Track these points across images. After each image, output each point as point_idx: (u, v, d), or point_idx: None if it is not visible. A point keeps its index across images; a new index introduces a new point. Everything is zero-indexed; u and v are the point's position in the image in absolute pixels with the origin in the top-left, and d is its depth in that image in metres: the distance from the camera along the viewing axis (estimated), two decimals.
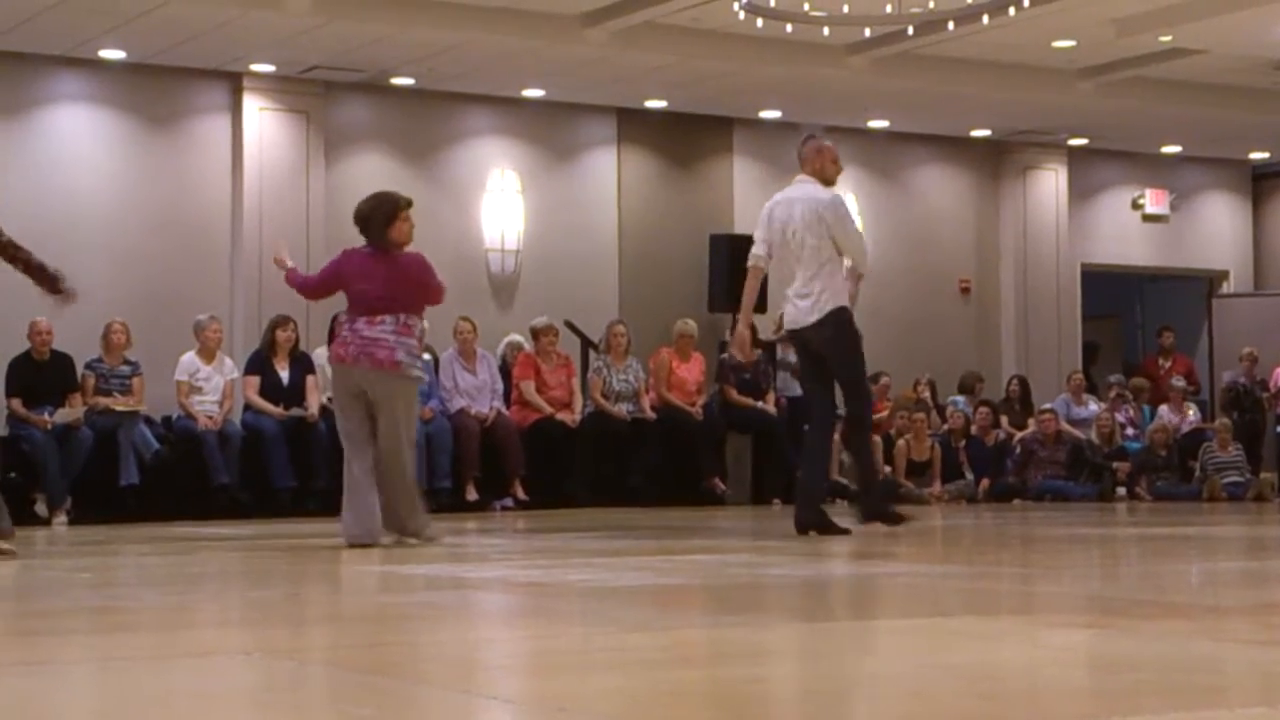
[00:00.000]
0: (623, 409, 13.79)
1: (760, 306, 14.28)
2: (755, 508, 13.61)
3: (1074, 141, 17.41)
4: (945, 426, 15.32)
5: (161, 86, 13.89)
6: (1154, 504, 14.56)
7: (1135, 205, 18.31)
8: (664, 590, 5.80)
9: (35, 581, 6.72)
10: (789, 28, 12.49)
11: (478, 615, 5.20)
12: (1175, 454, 15.59)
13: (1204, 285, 18.96)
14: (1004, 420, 15.70)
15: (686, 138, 15.89)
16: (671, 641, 4.18)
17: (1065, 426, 15.58)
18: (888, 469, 14.18)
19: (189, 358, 12.66)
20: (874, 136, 16.55)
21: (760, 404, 14.33)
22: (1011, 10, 11.37)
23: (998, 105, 15.73)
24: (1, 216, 7.87)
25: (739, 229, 15.33)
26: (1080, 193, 17.85)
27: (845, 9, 11.33)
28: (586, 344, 14.48)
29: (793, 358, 14.44)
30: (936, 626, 4.46)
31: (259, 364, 12.78)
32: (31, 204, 12.66)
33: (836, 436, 10.13)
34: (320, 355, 12.89)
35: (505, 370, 13.76)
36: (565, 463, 13.44)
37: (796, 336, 8.94)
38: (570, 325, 14.43)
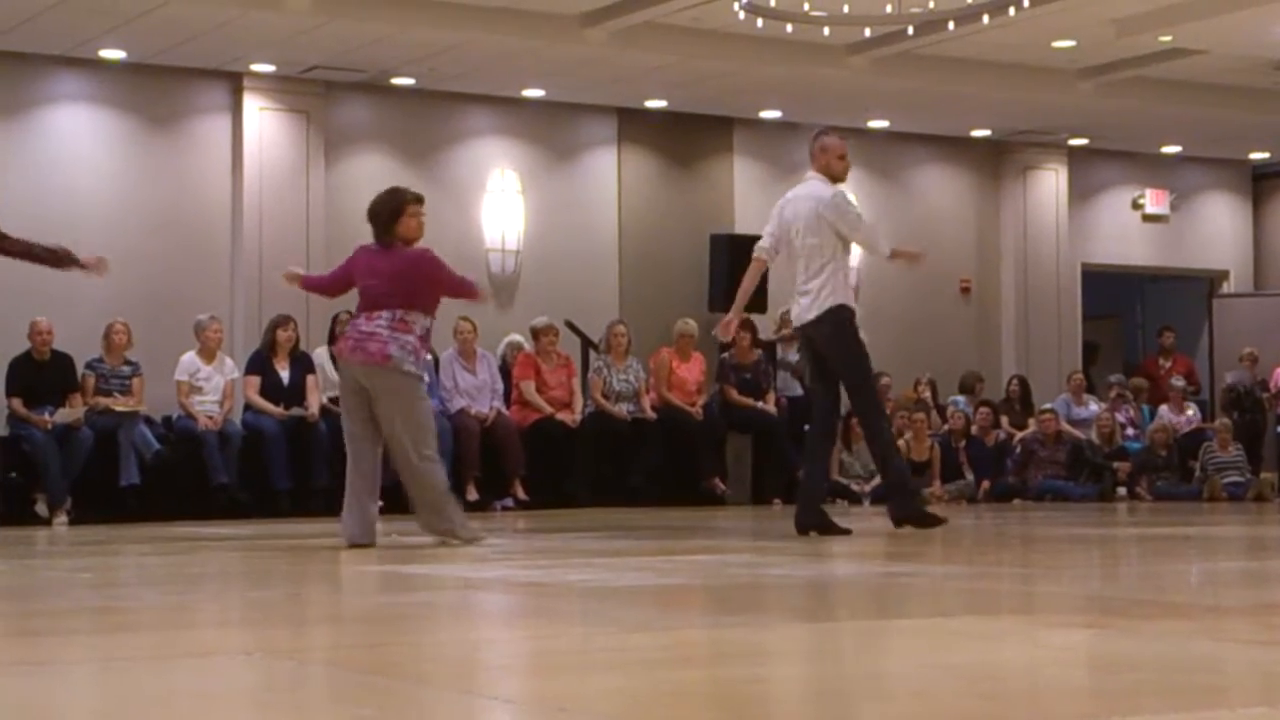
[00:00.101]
0: (623, 409, 13.79)
1: (760, 307, 14.39)
2: (755, 508, 13.61)
3: (1074, 141, 17.41)
4: (945, 427, 15.31)
5: (161, 86, 13.89)
6: (1154, 504, 14.56)
7: (1135, 205, 18.31)
8: (664, 590, 5.80)
9: (36, 581, 6.72)
10: (789, 28, 12.49)
11: (478, 615, 5.20)
12: (1175, 454, 15.58)
13: (1204, 285, 18.96)
14: (1004, 420, 15.68)
15: (687, 138, 15.89)
16: (672, 642, 4.18)
17: (1065, 426, 15.58)
18: None
19: (189, 358, 12.66)
20: (874, 136, 16.55)
21: (760, 404, 14.32)
22: (1011, 10, 11.38)
23: (998, 105, 15.73)
24: (1, 216, 7.88)
25: (739, 229, 15.34)
26: (1080, 193, 17.85)
27: (845, 9, 11.34)
28: (587, 344, 14.47)
29: (793, 357, 14.47)
30: (937, 626, 4.46)
31: (259, 364, 12.78)
32: (31, 204, 12.66)
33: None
34: (320, 355, 12.90)
35: (505, 370, 13.75)
36: (565, 463, 13.44)
37: (802, 333, 9.03)
38: (570, 325, 14.42)
